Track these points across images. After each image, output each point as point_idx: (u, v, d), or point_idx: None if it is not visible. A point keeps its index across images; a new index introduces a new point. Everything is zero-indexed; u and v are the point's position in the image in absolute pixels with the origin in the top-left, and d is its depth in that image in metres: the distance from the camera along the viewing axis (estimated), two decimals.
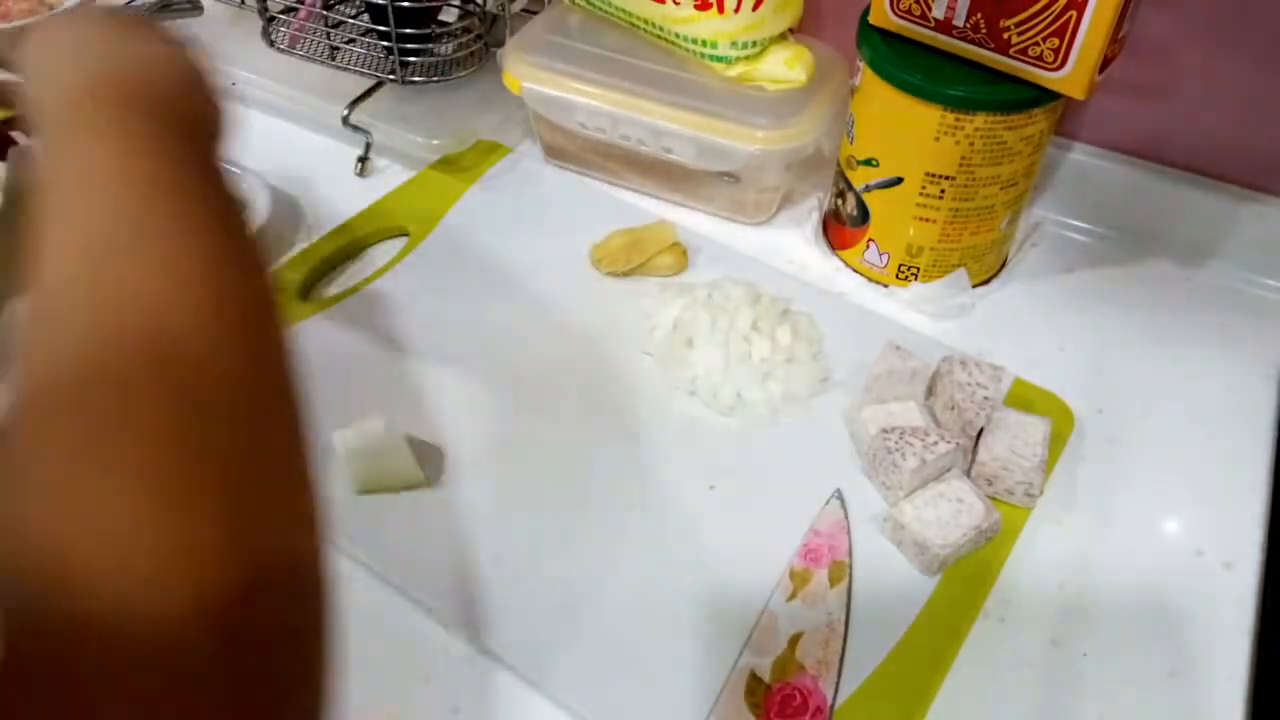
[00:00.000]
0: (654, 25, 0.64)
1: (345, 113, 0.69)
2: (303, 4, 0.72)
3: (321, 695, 0.26)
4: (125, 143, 0.30)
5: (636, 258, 0.60)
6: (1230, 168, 0.62)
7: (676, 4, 0.61)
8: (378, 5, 0.66)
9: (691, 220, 0.66)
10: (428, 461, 0.50)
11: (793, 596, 0.45)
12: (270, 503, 0.26)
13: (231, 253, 0.29)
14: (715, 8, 0.60)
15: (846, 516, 0.48)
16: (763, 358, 0.54)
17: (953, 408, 0.50)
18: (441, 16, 0.74)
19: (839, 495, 0.49)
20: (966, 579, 0.45)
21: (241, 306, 0.28)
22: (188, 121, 0.33)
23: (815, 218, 0.66)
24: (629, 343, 0.57)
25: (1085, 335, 0.59)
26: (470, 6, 0.74)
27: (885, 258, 0.61)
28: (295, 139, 0.73)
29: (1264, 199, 0.61)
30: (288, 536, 0.26)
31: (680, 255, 0.61)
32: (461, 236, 0.64)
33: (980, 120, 0.52)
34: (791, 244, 0.65)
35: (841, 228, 0.63)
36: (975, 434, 0.49)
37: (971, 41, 0.52)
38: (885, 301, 0.61)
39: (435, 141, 0.68)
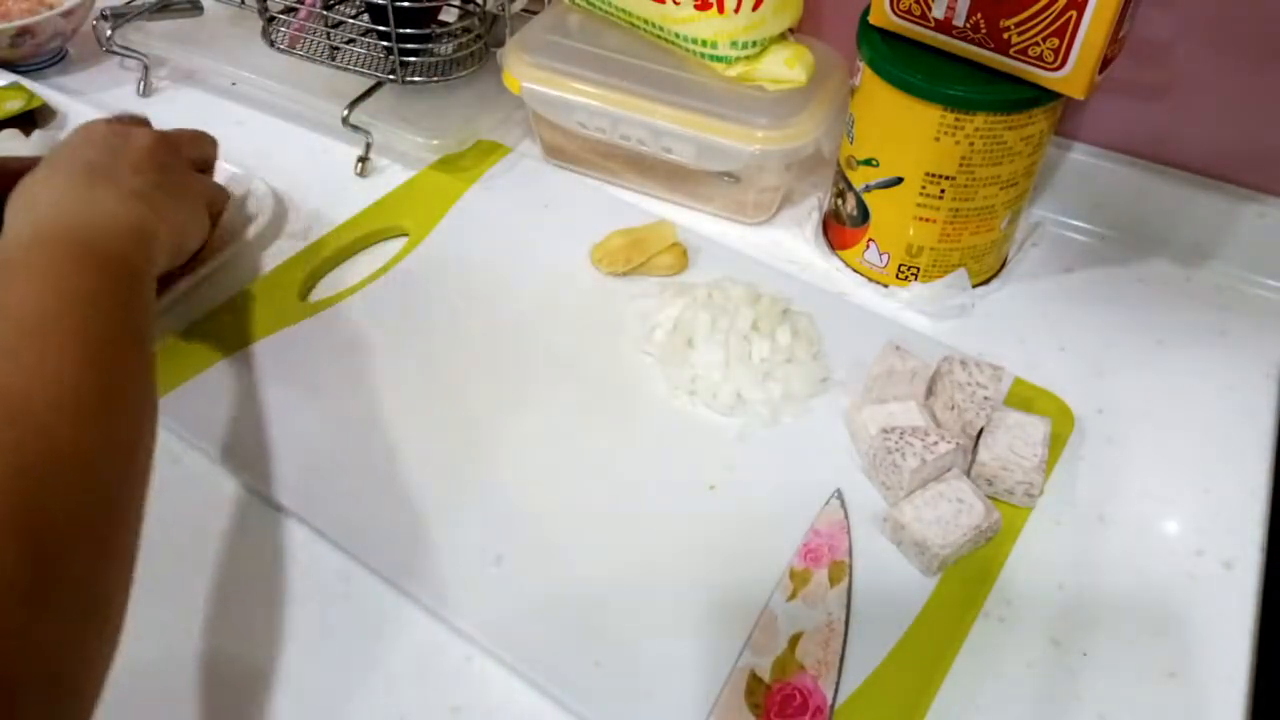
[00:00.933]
0: (654, 25, 0.64)
1: (345, 113, 0.69)
2: (303, 4, 0.72)
3: None
4: (45, 282, 0.39)
5: (636, 258, 0.60)
6: (1230, 168, 0.62)
7: (676, 4, 0.61)
8: (378, 5, 0.66)
9: (691, 220, 0.66)
10: (426, 459, 0.50)
11: (793, 596, 0.45)
12: (61, 607, 0.31)
13: (99, 389, 0.37)
14: (715, 8, 0.60)
15: (846, 516, 0.48)
16: (763, 358, 0.54)
17: (953, 408, 0.50)
18: (441, 16, 0.74)
19: (839, 495, 0.49)
20: (966, 579, 0.45)
21: (91, 443, 0.35)
22: (118, 267, 0.43)
23: (815, 218, 0.66)
24: (629, 343, 0.57)
25: (1085, 335, 0.59)
26: (470, 6, 0.74)
27: (885, 258, 0.61)
28: (295, 139, 0.73)
29: (1264, 199, 0.61)
30: (65, 630, 0.31)
31: (680, 255, 0.61)
32: (461, 237, 0.64)
33: (980, 120, 0.52)
34: (791, 244, 0.65)
35: (841, 228, 0.63)
36: (975, 434, 0.49)
37: (971, 41, 0.52)
38: (885, 301, 0.61)
39: (435, 141, 0.68)
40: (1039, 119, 0.53)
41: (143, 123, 0.56)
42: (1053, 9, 0.48)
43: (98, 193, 0.46)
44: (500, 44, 0.69)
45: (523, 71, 0.65)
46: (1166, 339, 0.59)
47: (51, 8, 0.77)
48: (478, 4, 0.74)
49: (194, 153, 0.58)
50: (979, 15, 0.51)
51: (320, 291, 0.61)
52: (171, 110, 0.76)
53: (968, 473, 0.49)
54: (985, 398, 0.50)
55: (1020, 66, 0.51)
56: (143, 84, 0.78)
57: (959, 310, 0.60)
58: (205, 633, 0.44)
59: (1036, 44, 0.50)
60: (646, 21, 0.65)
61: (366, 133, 0.69)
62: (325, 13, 0.72)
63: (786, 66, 0.62)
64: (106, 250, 0.43)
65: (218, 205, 0.59)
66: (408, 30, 0.67)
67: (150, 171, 0.49)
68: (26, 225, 0.43)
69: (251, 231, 0.61)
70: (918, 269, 0.60)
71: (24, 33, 0.74)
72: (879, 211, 0.59)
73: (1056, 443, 0.51)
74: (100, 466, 0.35)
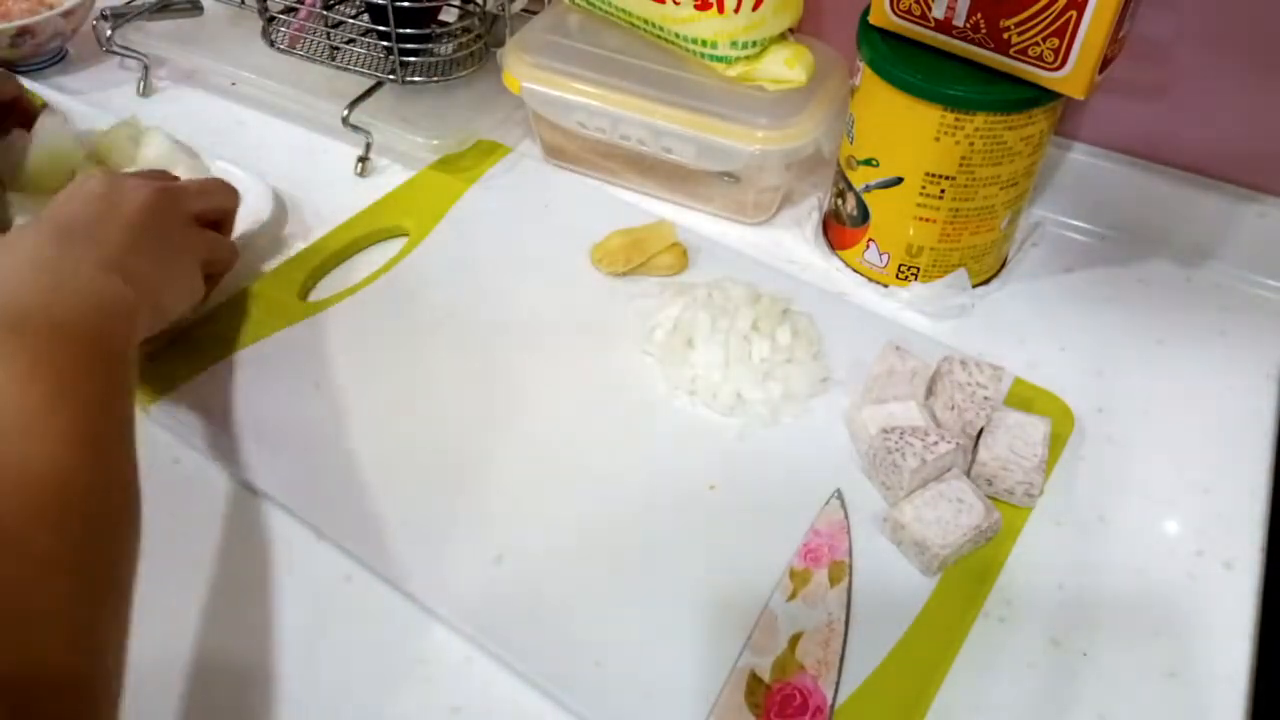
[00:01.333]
0: (654, 25, 0.64)
1: (345, 113, 0.69)
2: (303, 4, 0.72)
3: None
4: (18, 371, 0.37)
5: (636, 258, 0.60)
6: (1230, 168, 0.62)
7: (676, 4, 0.61)
8: (378, 5, 0.66)
9: (691, 220, 0.66)
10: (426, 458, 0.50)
11: (793, 596, 0.45)
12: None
13: (84, 464, 0.36)
14: (715, 8, 0.60)
15: (846, 516, 0.48)
16: (763, 358, 0.54)
17: (953, 408, 0.50)
18: (441, 16, 0.74)
19: (839, 495, 0.49)
20: (966, 579, 0.45)
21: (78, 513, 0.35)
22: (94, 348, 0.41)
23: (815, 218, 0.66)
24: (629, 343, 0.57)
25: (1085, 335, 0.59)
26: (470, 6, 0.74)
27: (885, 258, 0.61)
28: (295, 139, 0.73)
29: (1264, 199, 0.61)
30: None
31: (680, 255, 0.61)
32: (461, 236, 0.64)
33: (980, 120, 0.52)
34: (791, 244, 0.65)
35: (841, 228, 0.63)
36: (975, 434, 0.49)
37: (971, 41, 0.52)
38: (885, 301, 0.61)
39: (435, 141, 0.68)
40: (1039, 119, 0.53)
41: (164, 176, 0.53)
42: (1053, 9, 0.48)
43: (68, 262, 0.43)
44: (500, 44, 0.69)
45: (523, 71, 0.65)
46: (1166, 339, 0.59)
47: (51, 8, 0.77)
48: (478, 4, 0.74)
49: (201, 205, 0.53)
50: (979, 15, 0.51)
51: (320, 291, 0.61)
52: (171, 110, 0.76)
53: (968, 473, 0.49)
54: (985, 398, 0.50)
55: (1020, 66, 0.51)
56: (143, 84, 0.78)
57: (959, 310, 0.60)
58: (204, 633, 0.44)
59: (1036, 44, 0.50)
60: (646, 21, 0.65)
61: (366, 133, 0.69)
62: (325, 13, 0.72)
63: (786, 66, 0.62)
64: (81, 330, 0.41)
65: (219, 265, 0.54)
66: (408, 30, 0.67)
67: (137, 231, 0.47)
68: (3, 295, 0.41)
69: (251, 231, 0.61)
70: (918, 269, 0.60)
71: (24, 33, 0.74)
72: (879, 211, 0.59)
73: (1056, 443, 0.51)
74: (85, 572, 0.35)
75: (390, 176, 0.70)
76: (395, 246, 0.64)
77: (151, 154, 0.65)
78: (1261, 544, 0.48)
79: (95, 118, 0.70)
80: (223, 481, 0.50)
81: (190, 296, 0.51)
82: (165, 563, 0.46)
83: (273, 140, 0.73)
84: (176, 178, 0.54)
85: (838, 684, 0.41)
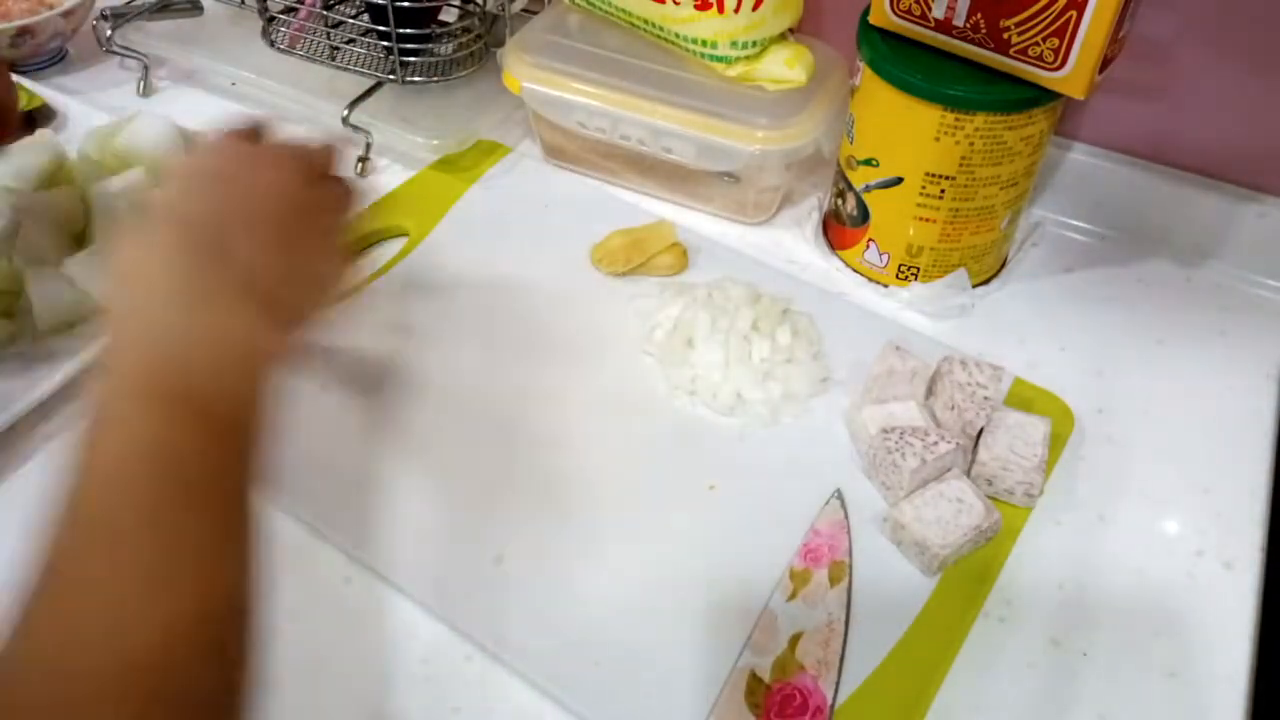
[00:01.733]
0: (654, 25, 0.64)
1: (345, 113, 0.69)
2: (303, 4, 0.72)
3: None
4: (143, 438, 0.32)
5: (636, 258, 0.60)
6: (1230, 168, 0.62)
7: (676, 4, 0.61)
8: (378, 5, 0.66)
9: (691, 220, 0.66)
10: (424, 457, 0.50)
11: (793, 596, 0.45)
12: None
13: (210, 569, 0.31)
14: (715, 8, 0.60)
15: (846, 516, 0.48)
16: (763, 358, 0.54)
17: (953, 408, 0.50)
18: (441, 16, 0.74)
19: (839, 495, 0.49)
20: (966, 579, 0.45)
21: (213, 626, 0.31)
22: (220, 406, 0.35)
23: (815, 218, 0.66)
24: (629, 343, 0.57)
25: (1085, 335, 0.59)
26: (470, 6, 0.74)
27: (885, 258, 0.61)
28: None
29: (1264, 199, 0.61)
30: None
31: (680, 255, 0.61)
32: (461, 237, 0.64)
33: (980, 120, 0.52)
34: (791, 244, 0.65)
35: (841, 228, 0.63)
36: (975, 434, 0.49)
37: (971, 41, 0.52)
38: (885, 301, 0.61)
39: (435, 141, 0.68)
40: (1039, 119, 0.53)
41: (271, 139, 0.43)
42: (1053, 9, 0.48)
43: (200, 288, 0.35)
44: (500, 44, 0.69)
45: (523, 71, 0.65)
46: (1166, 339, 0.59)
47: (51, 8, 0.77)
48: (478, 4, 0.74)
49: (325, 170, 0.43)
50: (979, 15, 0.51)
51: None
52: (171, 110, 0.76)
53: (968, 473, 0.49)
54: (985, 398, 0.50)
55: (1020, 66, 0.51)
56: (143, 84, 0.78)
57: (959, 310, 0.60)
58: None
59: (1036, 44, 0.50)
60: (646, 21, 0.65)
61: (366, 133, 0.69)
62: (325, 13, 0.72)
63: (786, 66, 0.62)
64: (209, 392, 0.34)
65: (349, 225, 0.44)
66: (408, 30, 0.67)
67: (275, 232, 0.38)
68: (123, 350, 0.34)
69: None
70: (918, 269, 0.60)
71: (24, 33, 0.74)
72: (879, 211, 0.59)
73: (1056, 443, 0.51)
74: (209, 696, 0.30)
75: (390, 176, 0.70)
76: (395, 247, 0.64)
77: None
78: (1261, 544, 0.48)
79: (95, 117, 0.70)
80: None
81: (334, 283, 0.43)
82: None
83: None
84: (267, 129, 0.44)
85: (838, 684, 0.41)
